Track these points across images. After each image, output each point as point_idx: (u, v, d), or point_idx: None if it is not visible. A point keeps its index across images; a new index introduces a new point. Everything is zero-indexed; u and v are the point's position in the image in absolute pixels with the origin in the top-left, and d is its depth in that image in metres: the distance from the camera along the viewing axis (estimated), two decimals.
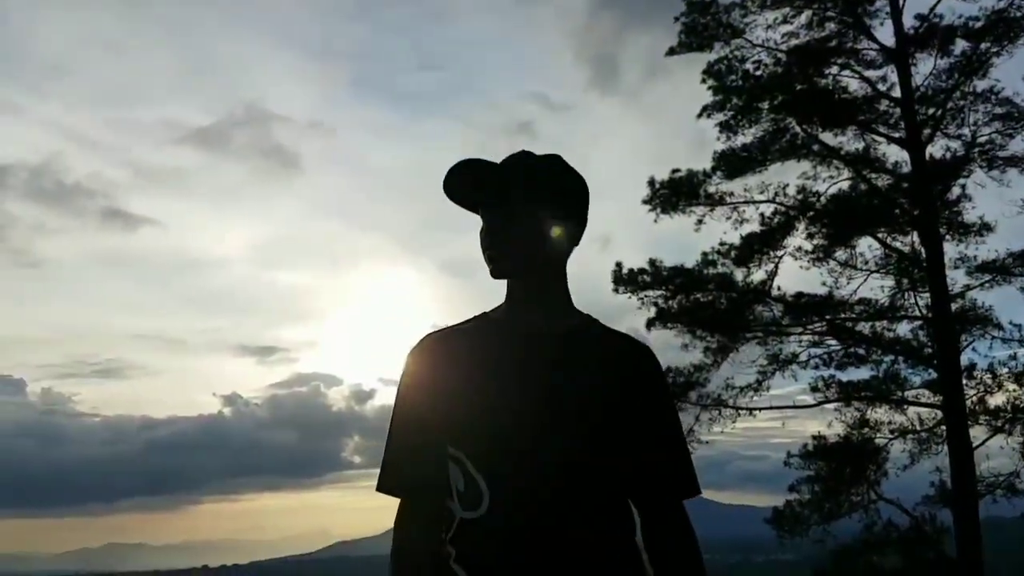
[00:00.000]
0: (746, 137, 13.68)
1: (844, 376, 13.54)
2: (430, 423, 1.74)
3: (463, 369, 1.74)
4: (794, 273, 13.83)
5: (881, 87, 13.29)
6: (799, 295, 13.57)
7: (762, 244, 13.48)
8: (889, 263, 13.35)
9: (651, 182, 13.71)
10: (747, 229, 13.61)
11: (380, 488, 1.79)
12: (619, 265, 13.56)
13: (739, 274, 13.59)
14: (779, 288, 13.53)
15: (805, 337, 13.74)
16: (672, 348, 13.82)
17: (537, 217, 1.76)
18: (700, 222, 13.70)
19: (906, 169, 13.11)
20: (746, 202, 13.64)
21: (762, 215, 13.56)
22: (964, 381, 12.70)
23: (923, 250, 12.88)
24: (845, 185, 13.48)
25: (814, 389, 13.56)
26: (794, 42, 13.53)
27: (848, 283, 13.50)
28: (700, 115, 13.91)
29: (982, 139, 12.98)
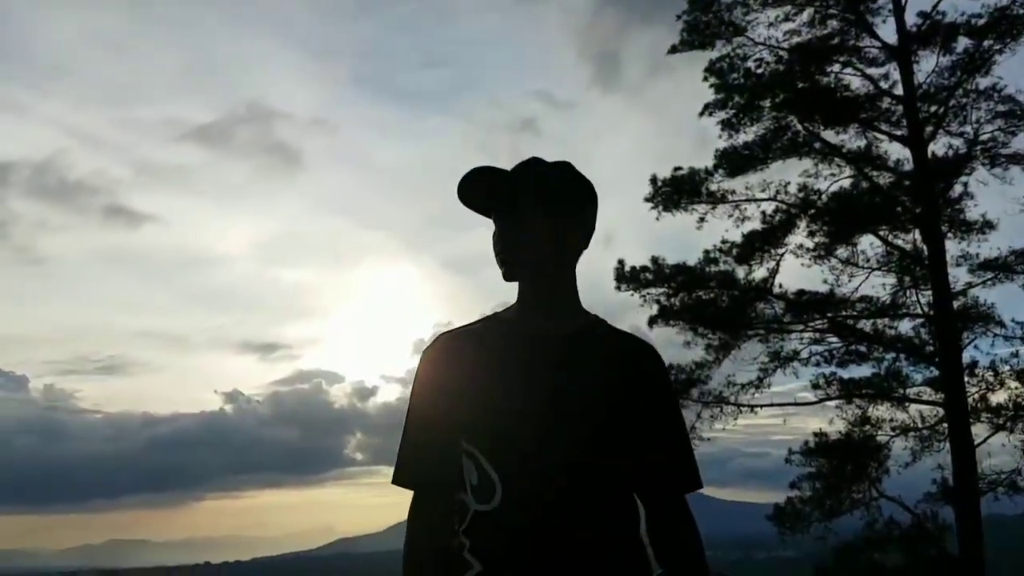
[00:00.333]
0: (748, 135, 13.71)
1: (846, 373, 13.59)
2: (443, 420, 1.82)
3: (474, 368, 1.81)
4: (796, 271, 13.86)
5: (883, 85, 13.33)
6: (801, 293, 13.59)
7: (764, 242, 13.49)
8: (891, 261, 13.37)
9: (653, 180, 13.73)
10: (749, 227, 13.65)
11: (395, 481, 1.87)
12: (621, 263, 13.59)
13: (741, 272, 13.64)
14: (781, 286, 13.58)
15: (807, 334, 13.78)
16: (674, 345, 13.86)
17: (546, 222, 1.83)
18: (702, 220, 13.73)
19: (908, 167, 13.13)
20: (748, 200, 13.65)
21: (764, 213, 13.59)
22: (966, 378, 12.72)
23: (925, 248, 12.88)
24: (847, 183, 13.51)
25: (815, 386, 13.58)
26: (796, 40, 13.55)
27: (850, 281, 13.54)
28: (702, 113, 13.93)
29: (984, 137, 13.00)
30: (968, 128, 13.02)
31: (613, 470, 1.77)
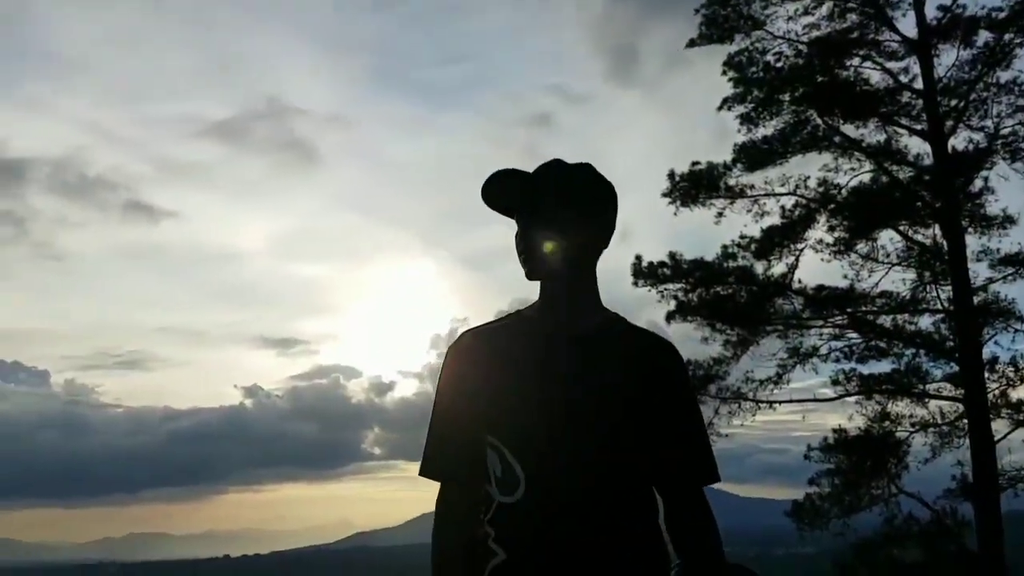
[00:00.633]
0: (767, 129, 13.65)
1: (865, 369, 13.56)
2: (468, 414, 1.90)
3: (497, 364, 1.89)
4: (815, 266, 13.80)
5: (903, 79, 13.24)
6: (820, 288, 13.53)
7: (783, 237, 13.45)
8: (911, 256, 13.29)
9: (671, 175, 13.69)
10: (768, 222, 13.61)
11: (422, 473, 1.95)
12: (639, 258, 13.57)
13: (759, 267, 13.59)
14: (800, 281, 13.54)
15: (826, 330, 13.73)
16: (692, 341, 13.84)
17: (568, 223, 1.90)
18: (720, 215, 13.67)
19: (928, 161, 13.05)
20: (767, 195, 13.61)
21: (783, 208, 13.55)
22: (986, 374, 12.63)
23: (945, 243, 12.81)
24: (866, 177, 13.44)
25: (835, 382, 13.56)
26: (815, 33, 13.49)
27: (869, 276, 13.47)
28: (720, 107, 13.89)
29: (1005, 131, 12.91)
30: (988, 122, 12.95)
31: (631, 465, 1.84)
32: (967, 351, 12.55)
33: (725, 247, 13.54)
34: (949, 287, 12.90)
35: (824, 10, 13.39)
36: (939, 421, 13.17)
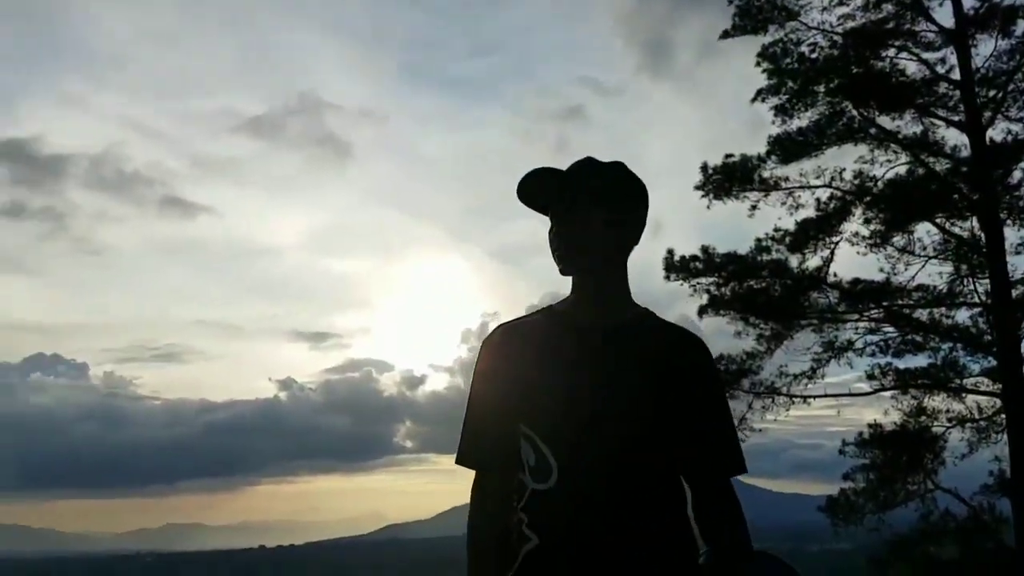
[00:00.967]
0: (802, 121, 13.49)
1: (901, 363, 13.40)
2: (502, 406, 1.98)
3: (529, 357, 1.96)
4: (851, 259, 13.67)
5: (940, 69, 13.02)
6: (856, 281, 13.39)
7: (818, 230, 13.32)
8: (948, 249, 13.10)
9: (704, 167, 13.61)
10: (802, 215, 13.46)
11: (459, 462, 2.05)
12: (671, 252, 13.51)
13: (794, 260, 13.46)
14: (835, 275, 13.39)
15: (861, 324, 13.58)
16: (725, 335, 13.78)
17: (601, 220, 1.97)
18: (754, 208, 13.57)
19: (965, 153, 12.84)
20: (801, 187, 13.47)
21: (818, 200, 13.39)
22: None
23: (983, 235, 12.62)
24: (903, 169, 13.24)
25: (870, 377, 13.41)
26: (850, 24, 13.31)
27: (906, 269, 13.28)
28: (754, 99, 13.76)
29: None
30: None
31: (659, 456, 1.91)
32: (1005, 345, 12.38)
33: (759, 240, 13.45)
34: (987, 280, 12.71)
35: (859, 0, 13.24)
36: (976, 416, 13.02)
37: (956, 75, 12.87)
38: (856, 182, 13.29)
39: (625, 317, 2.00)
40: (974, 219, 12.74)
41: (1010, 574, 12.30)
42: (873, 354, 13.41)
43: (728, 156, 13.59)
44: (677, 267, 13.40)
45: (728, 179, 13.47)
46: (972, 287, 13.08)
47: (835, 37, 13.37)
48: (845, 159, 13.52)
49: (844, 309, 13.55)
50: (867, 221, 13.27)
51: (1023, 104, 12.72)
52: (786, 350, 13.64)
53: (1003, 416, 12.57)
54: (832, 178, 13.34)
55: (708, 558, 1.95)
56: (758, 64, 13.53)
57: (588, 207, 1.97)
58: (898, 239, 13.24)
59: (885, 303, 13.34)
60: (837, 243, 13.37)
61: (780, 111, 13.52)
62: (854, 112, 13.23)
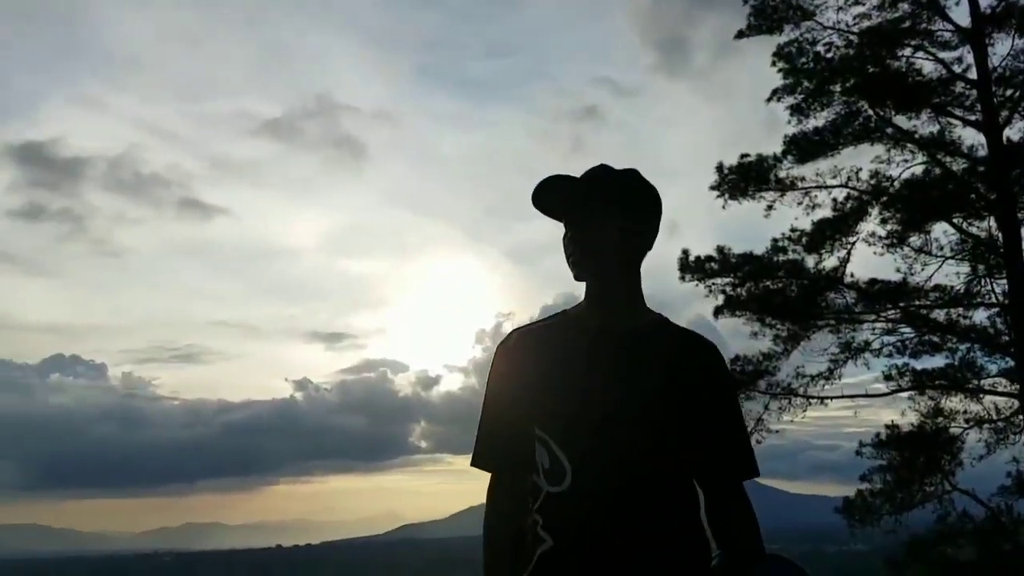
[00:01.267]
0: (818, 120, 13.44)
1: (918, 364, 13.33)
2: (517, 409, 2.01)
3: (544, 361, 1.99)
4: (867, 259, 13.61)
5: (956, 69, 12.93)
6: (872, 282, 13.33)
7: (834, 230, 13.26)
8: (965, 249, 13.04)
9: (719, 167, 13.58)
10: (819, 215, 13.40)
11: (474, 464, 2.09)
12: (686, 252, 13.48)
13: (810, 261, 13.41)
14: (852, 275, 13.33)
15: (878, 325, 13.51)
16: (741, 336, 13.75)
17: (615, 227, 1.99)
18: (770, 208, 13.52)
19: (983, 152, 12.76)
20: (818, 187, 13.42)
21: (834, 200, 13.34)
22: None
23: (1000, 235, 12.54)
24: (919, 169, 13.18)
25: (887, 378, 13.36)
26: (866, 23, 13.23)
27: (923, 269, 13.21)
28: (770, 98, 13.72)
29: None
30: None
31: (671, 460, 1.93)
32: (1023, 345, 12.30)
33: (775, 240, 13.41)
34: (1004, 280, 12.63)
35: (875, 0, 13.19)
36: (994, 417, 12.94)
37: (973, 74, 12.80)
38: (873, 182, 13.24)
39: (639, 322, 2.03)
40: (991, 219, 12.66)
41: None
42: (890, 355, 13.37)
43: (744, 156, 13.57)
44: (692, 267, 13.37)
45: (744, 179, 13.43)
46: (989, 287, 13.03)
47: (851, 36, 13.33)
48: (861, 159, 13.49)
49: (861, 310, 13.49)
50: (884, 221, 13.22)
51: None
52: (803, 351, 13.61)
53: (1021, 417, 12.52)
54: (848, 178, 13.30)
55: (720, 561, 1.97)
56: (774, 64, 13.50)
57: (603, 214, 2.00)
58: (915, 239, 13.19)
59: (902, 303, 13.27)
60: (854, 243, 13.33)
61: (796, 111, 13.48)
62: (870, 112, 13.18)
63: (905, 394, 13.29)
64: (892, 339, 13.37)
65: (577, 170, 2.07)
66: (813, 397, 13.53)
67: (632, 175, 2.06)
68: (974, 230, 12.92)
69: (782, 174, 13.44)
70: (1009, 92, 12.71)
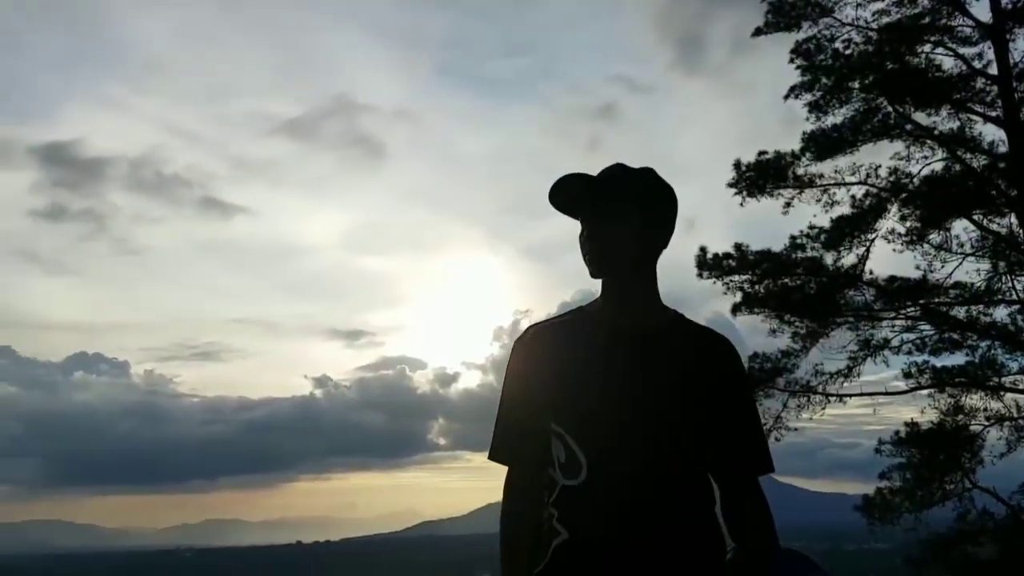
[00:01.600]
0: (836, 117, 13.35)
1: (938, 362, 13.22)
2: (533, 404, 2.04)
3: (560, 357, 2.02)
4: (887, 257, 13.52)
5: (977, 64, 12.84)
6: (892, 279, 13.24)
7: (853, 227, 13.18)
8: (985, 246, 12.95)
9: (737, 164, 13.52)
10: (837, 212, 13.32)
11: (491, 458, 2.12)
12: (703, 250, 13.42)
13: (829, 258, 13.33)
14: (871, 272, 13.24)
15: (898, 322, 13.43)
16: (759, 333, 13.70)
17: (631, 225, 2.01)
18: (788, 205, 13.45)
19: (1003, 149, 12.67)
20: (836, 184, 13.35)
21: (853, 197, 13.27)
22: None
23: (1021, 232, 12.48)
24: (939, 166, 13.09)
25: (907, 375, 13.25)
26: (885, 20, 13.16)
27: (943, 266, 13.10)
28: (788, 95, 13.64)
29: None
30: None
31: (686, 455, 1.96)
32: None
33: (793, 238, 13.34)
34: None
35: None
36: (1015, 415, 12.85)
37: (993, 70, 12.71)
38: (892, 179, 13.17)
39: (655, 320, 2.05)
40: (1012, 216, 12.58)
41: None
42: (910, 352, 13.27)
43: (762, 153, 13.52)
44: (710, 265, 13.33)
45: (762, 176, 13.38)
46: (1010, 284, 12.94)
47: (870, 33, 13.27)
48: (880, 156, 13.42)
49: (880, 307, 13.41)
50: (903, 218, 13.14)
51: None
52: (821, 348, 13.53)
53: None
54: (867, 175, 13.22)
55: (734, 555, 2.00)
56: (792, 60, 13.45)
57: (619, 212, 2.02)
58: (935, 236, 13.10)
59: (922, 301, 13.18)
60: (873, 240, 13.23)
61: (814, 107, 13.41)
62: (889, 108, 13.09)
63: (925, 391, 13.22)
64: (912, 336, 13.30)
65: (594, 168, 2.09)
66: (832, 395, 13.47)
67: (648, 173, 2.09)
68: (994, 227, 12.85)
69: (800, 171, 13.38)
70: None
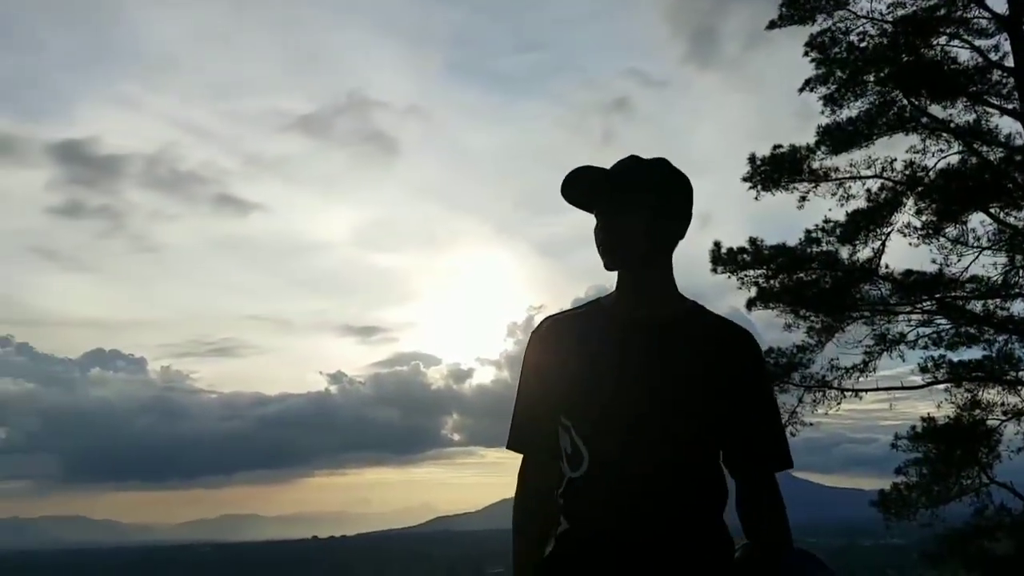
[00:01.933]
0: (851, 111, 13.27)
1: (955, 356, 13.16)
2: (544, 396, 2.06)
3: (572, 350, 2.02)
4: (902, 250, 13.43)
5: (993, 56, 12.74)
6: (908, 273, 13.16)
7: (868, 221, 13.11)
8: (1002, 239, 12.85)
9: (751, 159, 13.45)
10: (853, 206, 13.24)
11: (508, 446, 2.14)
12: (717, 245, 13.37)
13: (844, 252, 13.25)
14: (887, 266, 13.17)
15: (914, 316, 13.34)
16: (774, 328, 13.66)
17: (646, 216, 1.99)
18: (803, 199, 13.38)
19: (1020, 141, 12.56)
20: (852, 178, 13.27)
21: (868, 191, 13.18)
22: None
23: None
24: (955, 159, 12.98)
25: (923, 370, 13.17)
26: (900, 12, 13.05)
27: (959, 260, 12.99)
28: (803, 89, 13.58)
29: None
30: None
31: (698, 450, 1.94)
32: None
33: (808, 232, 13.27)
34: None
35: None
36: None
37: (1010, 62, 12.60)
38: (907, 172, 13.08)
39: (671, 311, 2.03)
40: None
41: None
42: (926, 347, 13.20)
43: (776, 147, 13.44)
44: (724, 259, 13.28)
45: (777, 170, 13.32)
46: None
47: (885, 25, 13.17)
48: (896, 149, 13.31)
49: (896, 301, 13.33)
50: (919, 212, 13.04)
51: None
52: (837, 343, 13.47)
53: None
54: (883, 168, 13.14)
55: (744, 552, 1.98)
56: (806, 54, 13.37)
57: (632, 203, 2.00)
58: (951, 230, 12.99)
59: (938, 295, 13.10)
60: (888, 234, 13.16)
61: (829, 101, 13.34)
62: (905, 101, 13.01)
63: (941, 386, 13.15)
64: (928, 331, 13.23)
65: (607, 163, 2.08)
66: (848, 390, 13.40)
67: (662, 163, 2.06)
68: (1011, 220, 12.74)
69: (815, 165, 13.31)
70: None
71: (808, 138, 13.40)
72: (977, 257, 12.94)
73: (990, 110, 12.78)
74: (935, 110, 12.92)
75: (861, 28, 13.25)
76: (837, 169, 13.29)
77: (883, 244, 13.17)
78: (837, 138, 13.19)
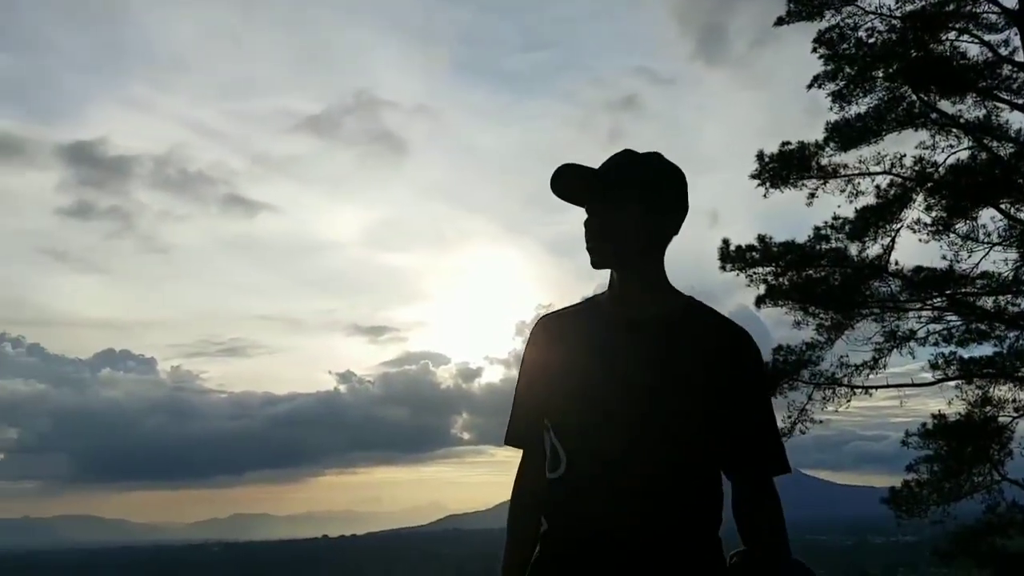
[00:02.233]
0: (860, 107, 13.21)
1: (965, 353, 13.10)
2: (532, 395, 2.05)
3: (561, 349, 1.99)
4: (912, 247, 13.39)
5: (1003, 51, 12.67)
6: (918, 269, 13.11)
7: (878, 217, 13.06)
8: (1013, 235, 12.77)
9: (760, 155, 13.41)
10: (862, 202, 13.19)
11: (505, 442, 2.14)
12: (726, 242, 13.34)
13: (854, 249, 13.21)
14: (896, 263, 13.12)
15: (924, 313, 13.29)
16: (783, 325, 13.61)
17: (637, 212, 1.93)
18: (812, 196, 13.33)
19: None
20: (861, 174, 13.21)
21: (878, 187, 13.13)
22: None
23: None
24: (965, 154, 12.92)
25: (934, 366, 13.13)
26: (909, 7, 12.97)
27: (969, 256, 12.94)
28: (811, 85, 13.52)
29: None
30: None
31: (684, 452, 1.86)
32: None
33: (817, 229, 13.23)
34: None
35: None
36: None
37: (1020, 57, 12.55)
38: (917, 168, 13.02)
39: (663, 309, 1.95)
40: None
41: None
42: (936, 343, 13.17)
43: (785, 144, 13.39)
44: (733, 257, 13.24)
45: (785, 167, 13.27)
46: None
47: (894, 21, 13.10)
48: (905, 145, 13.27)
49: (906, 298, 13.28)
50: (929, 208, 13.00)
51: None
52: (847, 340, 13.41)
53: None
54: (892, 164, 13.08)
55: (740, 559, 1.91)
56: (814, 50, 13.31)
57: (621, 197, 1.93)
58: (961, 226, 12.94)
59: (948, 291, 13.05)
60: (898, 231, 13.11)
61: (838, 97, 13.28)
62: (914, 97, 12.96)
63: (952, 383, 13.10)
64: (938, 327, 13.18)
65: None
66: (858, 387, 13.35)
67: (654, 157, 1.99)
68: (1022, 215, 12.69)
69: (824, 161, 13.26)
70: None
71: (817, 135, 13.38)
72: (987, 253, 12.90)
73: (1000, 105, 12.72)
74: (944, 106, 12.87)
75: (870, 24, 13.19)
76: (846, 166, 13.26)
77: (893, 241, 13.13)
78: (846, 134, 13.14)
